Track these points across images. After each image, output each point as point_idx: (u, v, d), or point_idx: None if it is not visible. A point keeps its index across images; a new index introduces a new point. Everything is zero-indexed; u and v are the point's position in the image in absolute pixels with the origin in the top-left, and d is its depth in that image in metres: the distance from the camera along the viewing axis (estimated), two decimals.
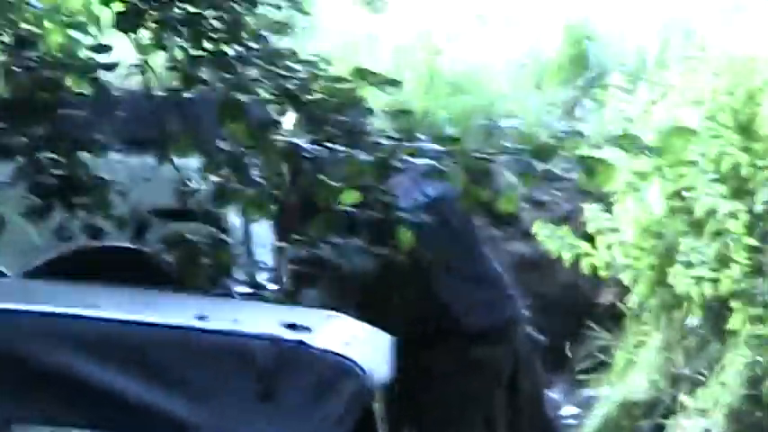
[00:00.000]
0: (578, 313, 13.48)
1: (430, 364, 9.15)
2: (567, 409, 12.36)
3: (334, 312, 6.11)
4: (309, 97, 7.11)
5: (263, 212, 7.43)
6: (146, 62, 7.27)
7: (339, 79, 7.26)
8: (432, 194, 9.29)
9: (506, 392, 8.86)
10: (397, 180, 7.35)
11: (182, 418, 4.40)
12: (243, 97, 6.94)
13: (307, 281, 8.47)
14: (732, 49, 13.80)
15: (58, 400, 4.32)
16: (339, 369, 4.66)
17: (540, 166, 6.55)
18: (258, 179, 7.06)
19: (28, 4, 8.22)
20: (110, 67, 7.07)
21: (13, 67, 7.05)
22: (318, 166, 6.91)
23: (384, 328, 6.33)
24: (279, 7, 8.27)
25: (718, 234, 11.85)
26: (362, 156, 6.75)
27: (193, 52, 7.13)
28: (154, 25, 7.08)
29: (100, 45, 7.32)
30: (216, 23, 7.26)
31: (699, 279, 11.71)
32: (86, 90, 7.16)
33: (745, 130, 12.74)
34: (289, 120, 7.75)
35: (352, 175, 6.81)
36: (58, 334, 4.35)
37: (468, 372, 8.89)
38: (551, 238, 13.03)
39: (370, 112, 7.54)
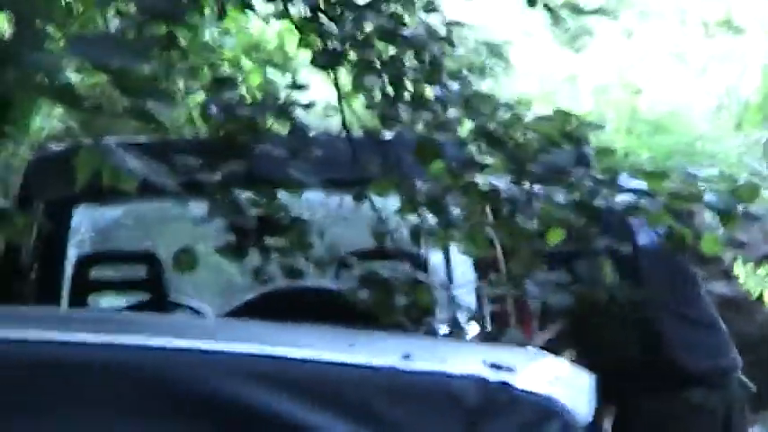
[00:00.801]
0: None
1: (647, 406, 9.11)
2: None
3: (536, 351, 6.23)
4: (510, 138, 7.12)
5: (467, 251, 7.54)
6: (344, 102, 7.42)
7: (541, 120, 7.23)
8: (655, 234, 9.48)
9: None
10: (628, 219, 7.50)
11: None
12: (441, 137, 7.02)
13: (510, 320, 8.34)
14: None
15: None
16: (544, 410, 4.60)
17: (740, 206, 6.43)
18: (458, 219, 7.10)
19: (226, 44, 8.59)
20: (308, 105, 7.26)
21: (212, 107, 7.23)
22: (519, 206, 6.96)
23: (598, 368, 6.39)
24: (479, 50, 8.29)
25: None
26: (565, 196, 6.75)
27: (392, 92, 7.22)
28: (352, 65, 7.23)
29: (297, 84, 7.59)
30: (414, 64, 7.33)
31: None
32: (283, 129, 7.33)
33: None
34: (487, 160, 7.95)
35: (554, 216, 6.78)
36: (261, 375, 4.46)
37: (685, 415, 8.73)
38: (752, 279, 12.80)
39: (573, 153, 7.21)
